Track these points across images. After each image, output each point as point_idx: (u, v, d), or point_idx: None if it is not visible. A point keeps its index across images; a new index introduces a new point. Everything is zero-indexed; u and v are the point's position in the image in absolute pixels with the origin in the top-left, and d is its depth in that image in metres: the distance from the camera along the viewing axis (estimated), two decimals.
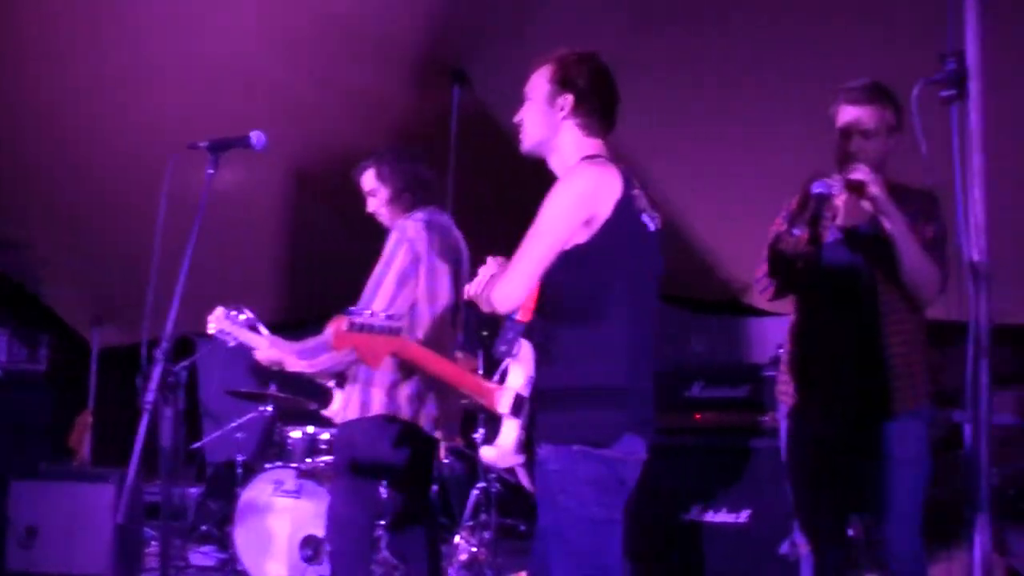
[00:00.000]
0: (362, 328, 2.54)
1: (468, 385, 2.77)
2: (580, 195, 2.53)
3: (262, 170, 5.78)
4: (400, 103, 5.40)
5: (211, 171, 2.85)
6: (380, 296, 3.51)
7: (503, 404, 2.57)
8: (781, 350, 3.35)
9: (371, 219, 3.86)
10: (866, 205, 2.98)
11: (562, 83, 2.67)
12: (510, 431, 2.57)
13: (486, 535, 5.25)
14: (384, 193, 3.80)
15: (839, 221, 3.13)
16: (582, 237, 2.51)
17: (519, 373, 2.58)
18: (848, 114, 3.07)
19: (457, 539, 5.33)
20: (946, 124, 2.76)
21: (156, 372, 2.60)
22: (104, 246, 6.49)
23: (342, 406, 3.70)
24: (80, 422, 6.66)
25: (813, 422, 3.02)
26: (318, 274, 6.80)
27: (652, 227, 2.66)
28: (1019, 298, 5.63)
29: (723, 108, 5.07)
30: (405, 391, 3.57)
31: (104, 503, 5.03)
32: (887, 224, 2.96)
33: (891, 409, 2.99)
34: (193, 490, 6.46)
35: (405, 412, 3.56)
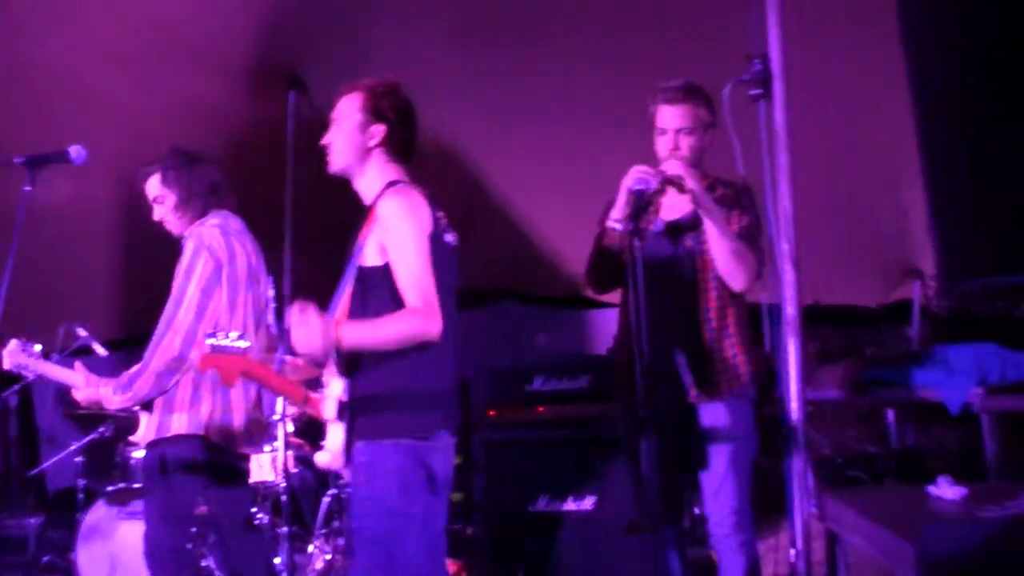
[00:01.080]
0: (219, 350, 2.69)
1: (295, 396, 2.93)
2: (422, 216, 2.77)
3: (95, 183, 5.59)
4: (235, 111, 5.31)
5: (28, 188, 2.75)
6: (185, 310, 3.37)
7: (328, 411, 2.78)
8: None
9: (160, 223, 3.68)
10: (685, 198, 3.15)
11: (374, 113, 2.87)
12: (337, 435, 2.79)
13: (340, 542, 5.23)
14: (171, 199, 3.61)
15: (661, 214, 3.30)
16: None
17: (338, 382, 2.80)
18: (665, 112, 3.24)
19: (311, 548, 5.28)
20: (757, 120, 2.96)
21: None
22: None
23: (146, 429, 3.52)
24: None
25: (645, 407, 3.16)
26: (157, 289, 6.62)
27: (453, 243, 2.93)
28: (837, 279, 5.99)
29: (555, 111, 5.20)
30: (206, 409, 3.43)
31: None
32: (704, 216, 3.13)
33: (717, 391, 3.17)
34: (32, 520, 6.18)
35: (207, 429, 3.42)
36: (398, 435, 2.71)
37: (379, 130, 2.87)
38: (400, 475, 2.68)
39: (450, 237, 2.92)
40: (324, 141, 2.90)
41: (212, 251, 3.46)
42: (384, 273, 2.75)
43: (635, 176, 3.04)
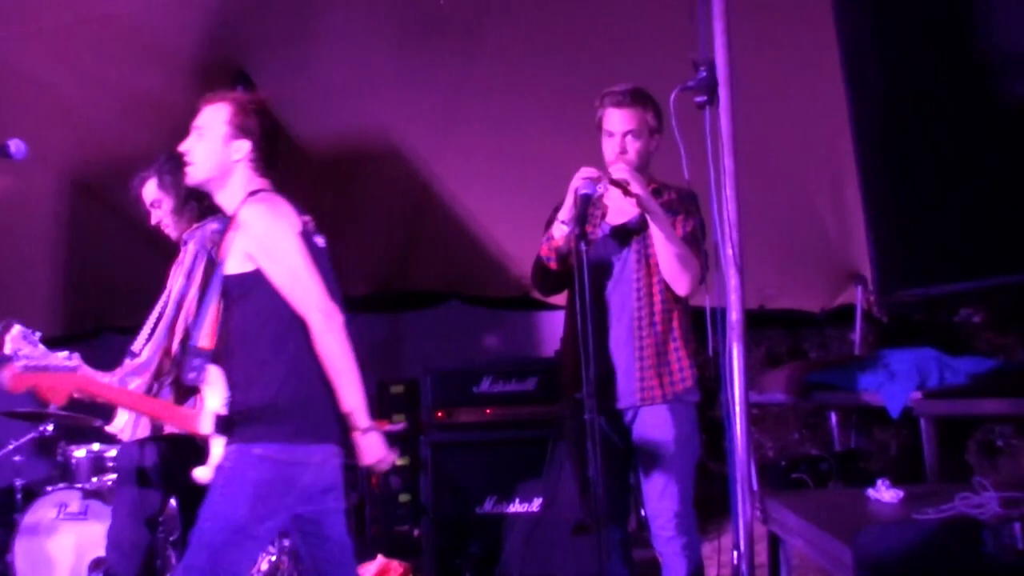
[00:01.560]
0: (37, 369, 2.73)
1: (166, 415, 3.00)
2: (289, 217, 2.78)
3: (38, 178, 5.49)
4: (181, 106, 5.23)
5: None
6: (185, 312, 3.45)
7: (205, 426, 2.76)
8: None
9: (156, 227, 3.73)
10: (632, 202, 3.17)
11: (241, 129, 2.85)
12: (218, 449, 2.76)
13: (286, 543, 5.19)
14: (169, 203, 3.69)
15: (607, 218, 3.32)
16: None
17: (215, 395, 2.76)
18: (612, 116, 3.26)
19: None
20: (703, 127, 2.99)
21: None
22: None
23: (131, 423, 3.56)
24: None
25: (590, 409, 3.19)
26: (103, 284, 6.52)
27: (323, 246, 2.92)
28: (782, 284, 6.08)
29: (502, 112, 5.20)
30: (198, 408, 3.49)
31: None
32: (650, 220, 3.16)
33: (661, 394, 3.20)
34: None
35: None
36: (264, 442, 2.68)
37: (244, 146, 2.85)
38: (258, 489, 2.66)
39: (319, 240, 2.91)
40: (182, 148, 2.87)
41: (212, 254, 3.49)
42: (254, 280, 2.74)
43: (582, 179, 3.06)
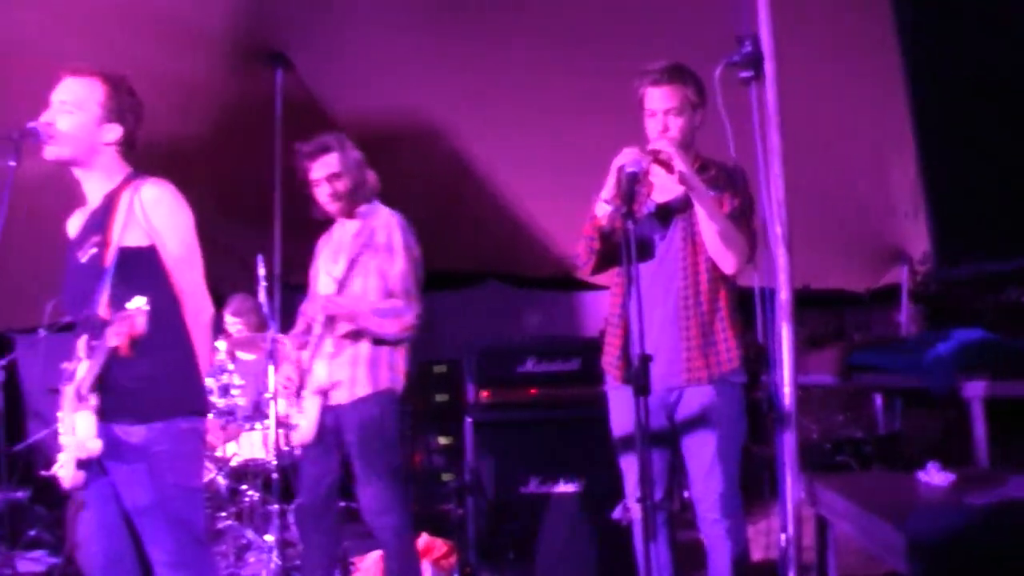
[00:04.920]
0: None
1: None
2: (187, 208, 2.88)
3: None
4: (220, 89, 5.26)
5: (12, 163, 2.71)
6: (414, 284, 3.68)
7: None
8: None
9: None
10: (675, 180, 3.13)
11: (115, 113, 2.86)
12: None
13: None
14: (347, 181, 3.75)
15: (652, 196, 3.28)
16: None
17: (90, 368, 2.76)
18: (652, 95, 3.21)
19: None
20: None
21: None
22: None
23: (348, 381, 3.65)
24: None
25: (636, 390, 3.16)
26: None
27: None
28: (826, 264, 6.01)
29: (539, 91, 5.17)
30: (399, 362, 3.73)
31: None
32: (694, 197, 3.11)
33: (705, 375, 3.16)
34: (20, 494, 6.15)
35: (399, 384, 3.70)
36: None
37: (117, 131, 2.87)
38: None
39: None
40: (44, 119, 2.83)
41: (404, 230, 3.74)
42: (149, 255, 2.81)
43: (626, 157, 3.02)
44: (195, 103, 5.15)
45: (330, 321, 3.68)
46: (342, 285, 3.68)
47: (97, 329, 2.71)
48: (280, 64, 5.10)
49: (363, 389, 3.66)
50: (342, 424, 3.69)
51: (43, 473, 4.76)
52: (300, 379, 3.80)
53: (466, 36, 4.86)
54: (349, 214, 3.83)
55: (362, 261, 3.70)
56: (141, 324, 2.56)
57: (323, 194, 3.78)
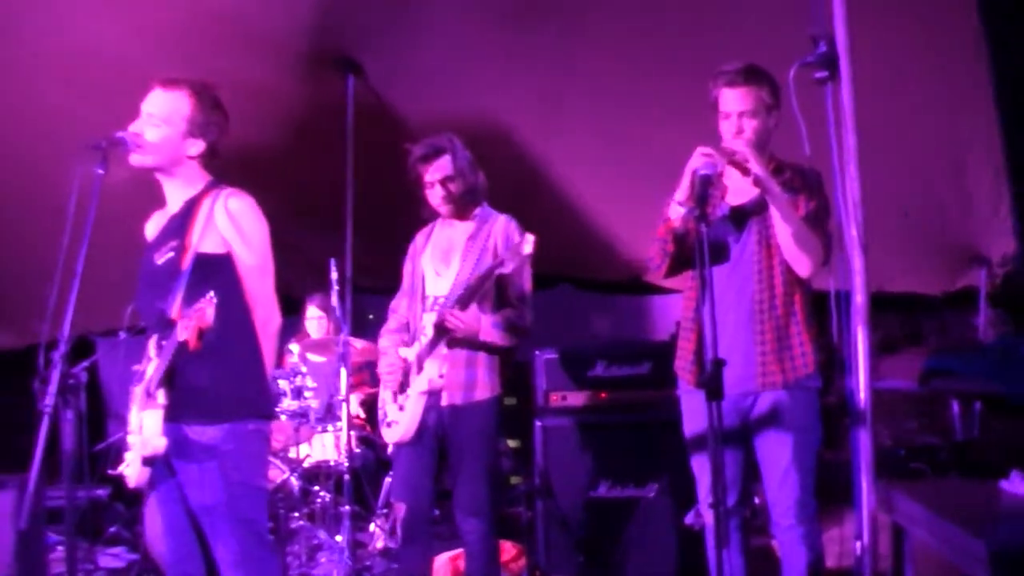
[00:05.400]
0: None
1: None
2: (263, 219, 2.98)
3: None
4: (292, 95, 5.34)
5: (100, 171, 2.79)
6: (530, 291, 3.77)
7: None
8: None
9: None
10: (750, 182, 3.10)
11: (199, 127, 2.95)
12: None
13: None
14: (460, 184, 3.77)
15: (726, 198, 3.26)
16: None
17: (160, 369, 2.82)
18: (727, 96, 3.18)
19: (372, 527, 5.33)
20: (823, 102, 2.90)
21: (55, 375, 2.54)
22: None
23: (464, 383, 3.67)
24: None
25: (708, 394, 3.14)
26: None
27: None
28: (900, 267, 5.89)
29: (610, 93, 5.16)
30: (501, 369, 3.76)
31: (2, 510, 4.87)
32: (769, 200, 3.08)
33: (779, 379, 3.12)
34: (100, 492, 6.30)
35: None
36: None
37: (200, 145, 2.96)
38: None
39: None
40: (134, 130, 2.92)
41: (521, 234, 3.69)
42: (224, 262, 2.90)
43: (701, 159, 3.00)
44: (269, 110, 5.23)
45: (444, 330, 3.65)
46: (461, 295, 3.64)
47: (167, 329, 2.78)
48: (352, 70, 5.16)
49: (482, 393, 3.68)
50: (450, 424, 3.69)
51: (111, 472, 4.86)
52: (402, 375, 3.80)
53: (537, 39, 4.86)
54: (460, 215, 3.84)
55: (472, 264, 3.72)
56: (210, 316, 2.61)
57: (436, 196, 3.79)
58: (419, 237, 3.99)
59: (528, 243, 3.46)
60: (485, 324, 3.64)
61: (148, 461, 2.81)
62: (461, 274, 3.72)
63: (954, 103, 4.78)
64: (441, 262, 3.84)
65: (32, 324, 6.56)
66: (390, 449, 3.89)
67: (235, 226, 2.90)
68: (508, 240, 3.71)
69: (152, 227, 3.10)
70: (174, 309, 2.80)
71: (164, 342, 2.79)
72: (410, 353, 3.78)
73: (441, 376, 3.66)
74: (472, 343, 3.67)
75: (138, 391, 2.91)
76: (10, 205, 5.78)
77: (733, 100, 3.17)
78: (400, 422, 3.72)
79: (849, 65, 2.88)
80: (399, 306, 3.98)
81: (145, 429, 2.78)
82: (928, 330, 7.20)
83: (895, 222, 5.39)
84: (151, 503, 5.04)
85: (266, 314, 2.96)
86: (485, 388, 3.69)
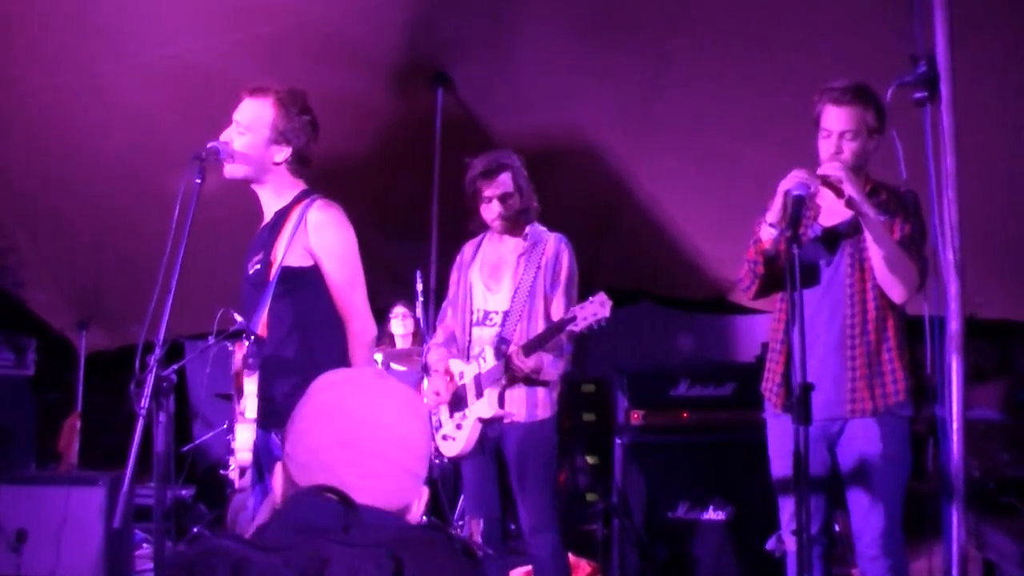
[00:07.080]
0: None
1: None
2: (352, 230, 2.98)
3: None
4: (382, 107, 5.41)
5: (198, 180, 2.85)
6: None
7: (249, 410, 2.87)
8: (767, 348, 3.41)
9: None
10: (844, 203, 3.04)
11: (284, 134, 2.95)
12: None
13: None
14: (518, 201, 3.77)
15: (819, 219, 3.19)
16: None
17: (254, 382, 2.86)
18: (830, 114, 3.10)
19: None
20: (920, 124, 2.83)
21: (150, 378, 2.61)
22: (87, 250, 6.47)
23: (525, 402, 3.68)
24: (68, 426, 6.63)
25: (796, 419, 3.08)
26: None
27: None
28: (992, 293, 5.72)
29: (698, 110, 5.11)
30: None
31: (93, 507, 4.99)
32: (862, 222, 3.01)
33: (869, 406, 3.05)
34: (184, 492, 6.45)
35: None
36: None
37: (286, 152, 2.96)
38: None
39: None
40: (223, 139, 2.95)
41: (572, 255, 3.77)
42: (311, 274, 2.90)
43: (794, 180, 2.94)
44: (359, 122, 5.31)
45: (508, 368, 3.66)
46: (531, 342, 3.64)
47: (255, 345, 2.84)
48: (441, 83, 5.20)
49: (543, 412, 3.70)
50: (509, 439, 3.70)
51: (222, 472, 4.98)
52: (451, 392, 3.84)
53: (627, 55, 4.85)
54: (512, 232, 3.84)
55: (530, 283, 3.72)
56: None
57: (492, 212, 3.79)
58: (467, 248, 4.01)
59: (606, 306, 3.45)
60: (546, 364, 3.66)
61: (244, 470, 2.88)
62: (519, 294, 3.73)
63: None
64: (491, 277, 3.85)
65: (126, 327, 6.76)
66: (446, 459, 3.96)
67: (320, 239, 2.92)
68: (553, 258, 3.74)
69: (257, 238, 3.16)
70: (259, 324, 2.86)
71: (251, 359, 2.84)
72: (466, 372, 3.81)
73: (501, 409, 3.69)
74: (531, 379, 3.70)
75: (242, 403, 2.97)
76: (112, 212, 5.95)
77: (836, 119, 3.10)
78: (457, 439, 3.78)
79: (950, 86, 2.81)
80: (445, 316, 4.02)
81: (237, 441, 2.87)
82: (1020, 358, 6.98)
83: (986, 246, 5.24)
84: (234, 505, 5.16)
85: (359, 326, 2.98)
86: (547, 407, 3.71)
